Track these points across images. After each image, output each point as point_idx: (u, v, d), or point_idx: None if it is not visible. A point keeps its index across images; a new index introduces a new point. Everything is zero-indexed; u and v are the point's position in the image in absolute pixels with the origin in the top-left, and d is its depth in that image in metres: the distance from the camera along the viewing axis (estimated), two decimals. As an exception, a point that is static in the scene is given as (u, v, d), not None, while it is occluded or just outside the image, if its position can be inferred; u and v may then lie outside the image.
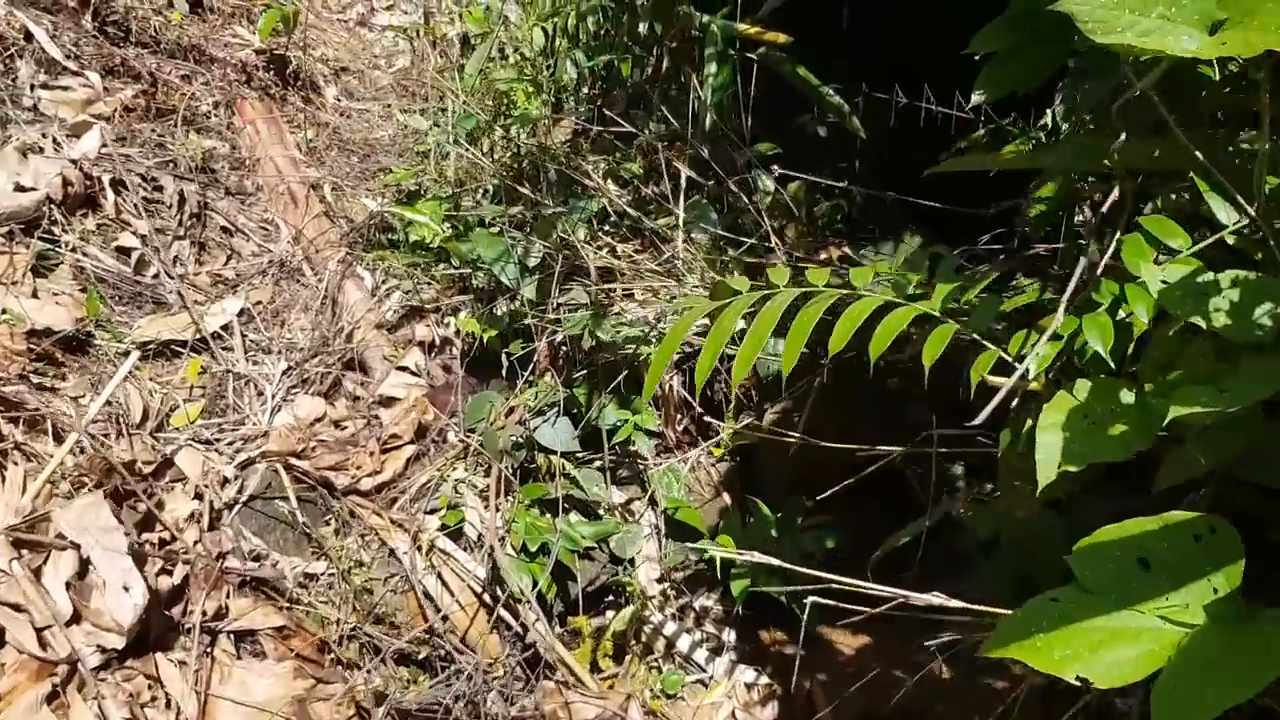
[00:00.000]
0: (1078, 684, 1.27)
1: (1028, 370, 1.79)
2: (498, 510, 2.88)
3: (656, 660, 3.11)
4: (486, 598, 2.87)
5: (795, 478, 3.51)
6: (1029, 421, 1.77)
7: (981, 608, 1.69)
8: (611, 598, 3.18)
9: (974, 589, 1.85)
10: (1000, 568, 2.09)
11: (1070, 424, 1.62)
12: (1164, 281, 1.60)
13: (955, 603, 1.77)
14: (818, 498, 2.94)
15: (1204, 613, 1.30)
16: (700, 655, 3.14)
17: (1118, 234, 1.84)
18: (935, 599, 1.75)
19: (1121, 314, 1.74)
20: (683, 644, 3.13)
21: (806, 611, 1.98)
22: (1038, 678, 2.01)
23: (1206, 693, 1.16)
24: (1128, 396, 1.63)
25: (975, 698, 3.24)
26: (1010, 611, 1.41)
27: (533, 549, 2.83)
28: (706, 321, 2.20)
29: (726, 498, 3.50)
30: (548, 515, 3.01)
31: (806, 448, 2.66)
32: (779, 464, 3.37)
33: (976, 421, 1.72)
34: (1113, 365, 1.68)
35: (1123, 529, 1.40)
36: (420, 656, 2.89)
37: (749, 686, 3.11)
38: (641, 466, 3.24)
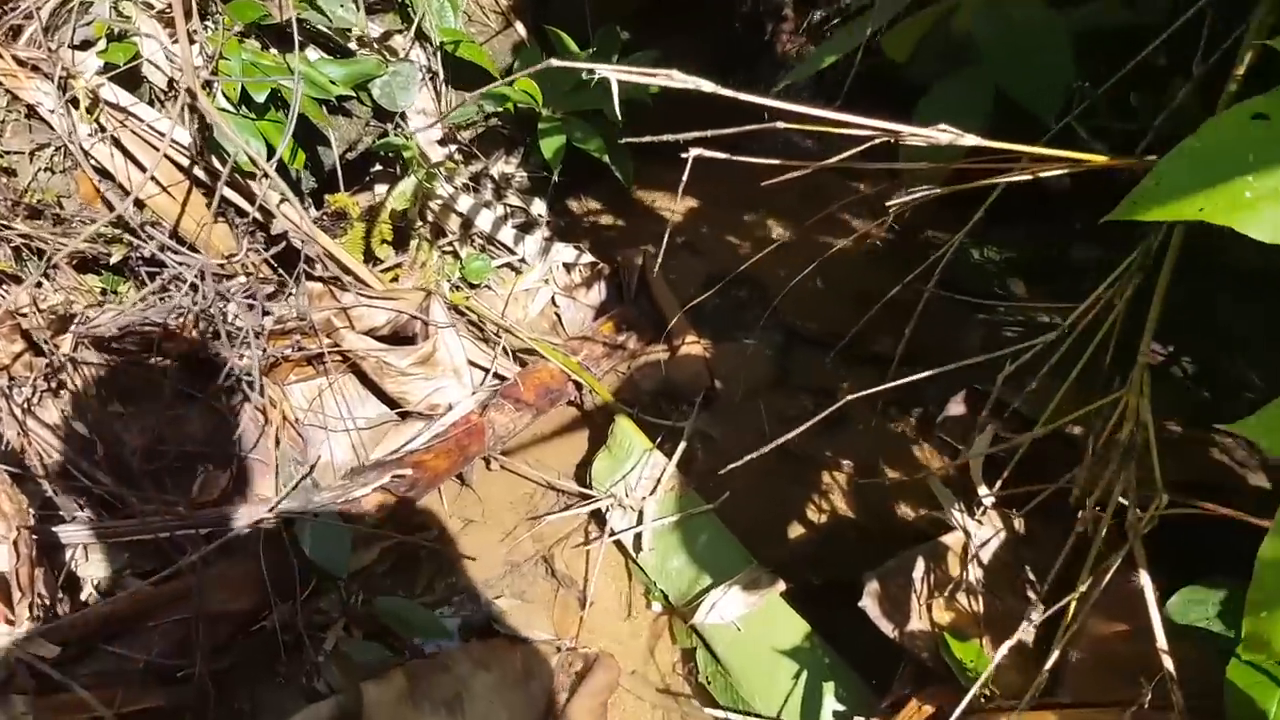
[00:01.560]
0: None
1: None
2: (192, 41, 1.90)
3: (451, 244, 2.44)
4: (200, 172, 2.00)
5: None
6: None
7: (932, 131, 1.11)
8: (381, 168, 2.39)
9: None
10: (975, 83, 1.50)
11: None
12: None
13: (918, 130, 1.17)
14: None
15: None
16: (506, 234, 2.49)
17: None
18: (886, 125, 1.14)
19: None
20: (483, 221, 2.46)
21: (688, 166, 1.33)
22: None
23: None
24: None
25: (812, 254, 2.90)
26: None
27: (259, 99, 1.93)
28: None
29: (519, 29, 2.65)
30: (274, 51, 2.07)
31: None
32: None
33: None
34: None
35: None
36: (112, 260, 2.04)
37: (568, 267, 2.54)
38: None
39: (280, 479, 1.84)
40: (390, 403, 2.06)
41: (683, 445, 2.03)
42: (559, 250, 2.53)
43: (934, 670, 1.54)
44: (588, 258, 2.54)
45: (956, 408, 2.29)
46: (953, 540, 1.66)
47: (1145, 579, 1.19)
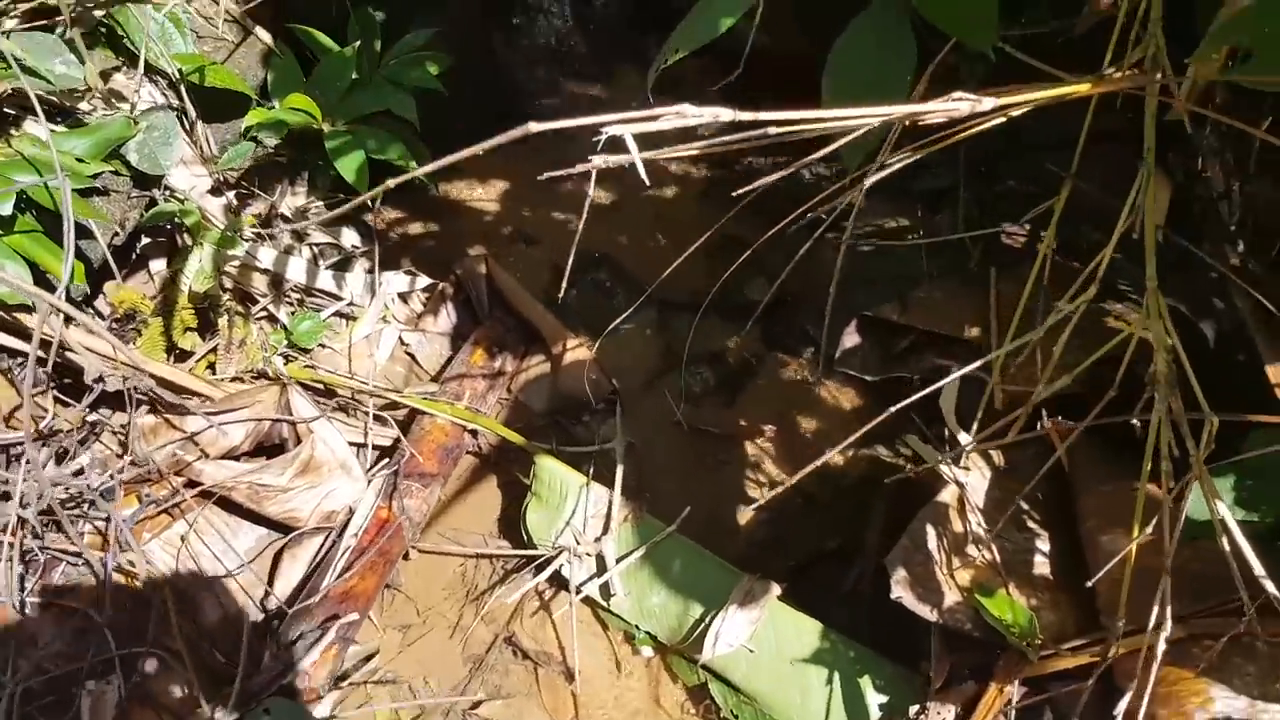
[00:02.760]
0: None
1: None
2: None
3: (266, 309, 2.07)
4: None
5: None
6: None
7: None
8: (149, 239, 1.97)
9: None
10: (887, 28, 1.36)
11: None
12: None
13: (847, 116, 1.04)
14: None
15: None
16: (324, 279, 2.15)
17: None
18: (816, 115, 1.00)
19: None
20: (294, 272, 2.10)
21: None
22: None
23: None
24: None
25: (646, 211, 2.75)
26: None
27: (3, 211, 1.49)
28: None
29: (262, 36, 2.24)
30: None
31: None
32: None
33: None
34: None
35: None
36: None
37: (404, 297, 2.24)
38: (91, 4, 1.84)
39: (189, 666, 1.49)
40: (273, 525, 1.73)
41: (620, 468, 1.85)
42: (388, 281, 2.22)
43: (975, 636, 1.50)
44: (423, 280, 2.25)
45: (851, 339, 2.25)
46: (948, 496, 1.61)
47: (1224, 510, 1.17)
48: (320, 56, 2.27)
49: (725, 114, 0.96)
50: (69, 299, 1.70)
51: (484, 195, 2.63)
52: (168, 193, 1.90)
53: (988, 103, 1.05)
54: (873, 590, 1.87)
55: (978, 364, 1.46)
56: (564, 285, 2.34)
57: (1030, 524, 1.64)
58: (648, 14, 3.09)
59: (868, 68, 1.37)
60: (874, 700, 1.58)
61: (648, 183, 0.90)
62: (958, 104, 1.04)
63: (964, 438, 1.64)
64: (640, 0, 3.13)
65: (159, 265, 2.01)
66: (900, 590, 1.49)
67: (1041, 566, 1.58)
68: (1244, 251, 2.05)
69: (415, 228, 2.48)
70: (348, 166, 2.10)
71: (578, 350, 2.14)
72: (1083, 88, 1.18)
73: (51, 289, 1.65)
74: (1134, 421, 1.41)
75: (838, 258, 2.54)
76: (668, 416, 2.18)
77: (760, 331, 2.41)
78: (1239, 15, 1.26)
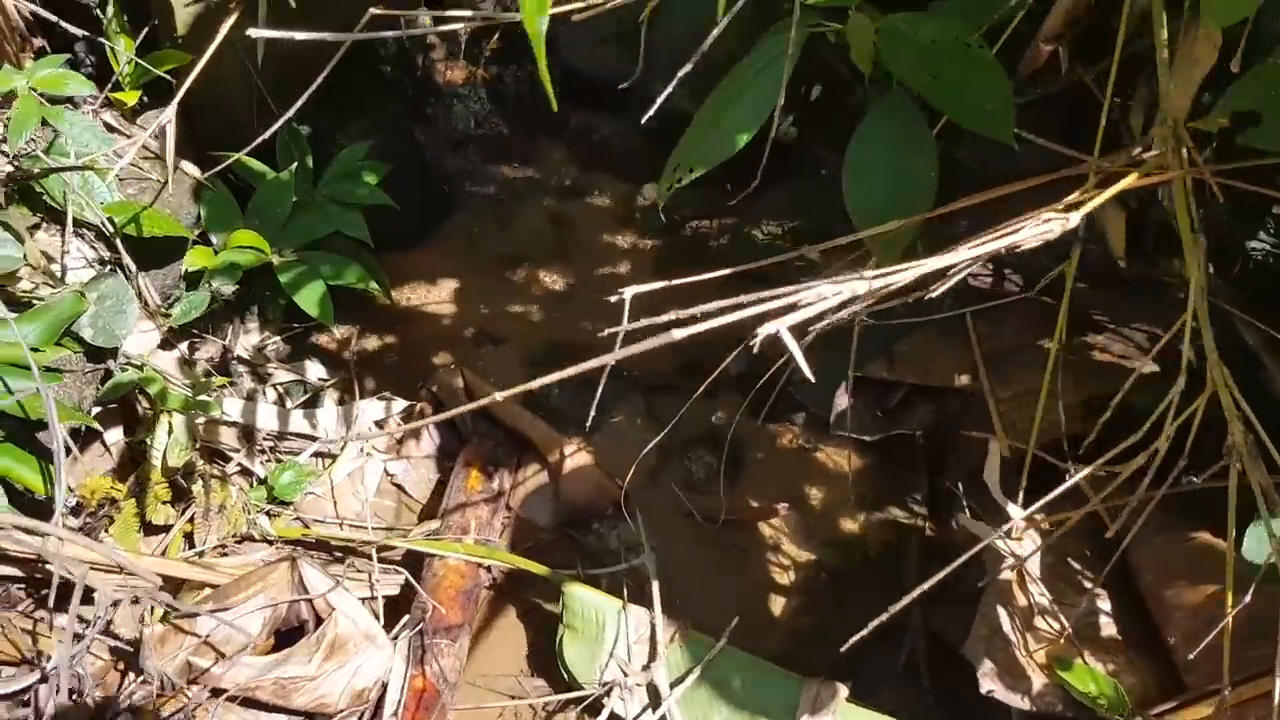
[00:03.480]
0: None
1: None
2: None
3: (239, 464, 1.92)
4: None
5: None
6: None
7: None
8: (99, 408, 1.81)
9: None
10: (902, 124, 1.34)
11: None
12: None
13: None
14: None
15: None
16: (297, 422, 2.02)
17: None
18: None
19: None
20: (265, 419, 1.97)
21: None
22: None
23: None
24: None
25: (600, 288, 2.67)
26: None
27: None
28: None
29: (189, 170, 2.09)
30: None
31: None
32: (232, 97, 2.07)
33: None
34: None
35: None
36: None
37: (380, 424, 2.12)
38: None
39: None
40: (302, 715, 1.59)
41: (655, 584, 1.77)
42: (363, 410, 2.09)
43: (1068, 717, 1.48)
44: (399, 403, 2.13)
45: (843, 400, 2.23)
46: (1007, 571, 1.60)
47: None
48: (253, 183, 2.14)
49: (861, 286, 0.92)
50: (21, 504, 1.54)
51: (437, 297, 2.53)
52: (123, 360, 1.74)
53: (1075, 218, 1.04)
54: (928, 663, 1.84)
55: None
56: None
57: (1086, 584, 1.64)
58: (562, 89, 3.04)
59: (888, 168, 1.34)
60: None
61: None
62: (1049, 225, 1.02)
63: (1014, 510, 1.62)
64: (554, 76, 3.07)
65: (115, 436, 1.84)
66: (990, 683, 1.47)
67: (1108, 628, 1.58)
68: (1210, 272, 2.12)
69: (376, 344, 2.36)
70: (308, 299, 1.98)
71: (576, 456, 2.06)
72: (1130, 179, 1.18)
73: (21, 498, 1.49)
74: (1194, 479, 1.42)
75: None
76: (676, 509, 2.12)
77: (745, 405, 2.37)
78: (1249, 79, 1.29)
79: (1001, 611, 1.54)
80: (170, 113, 1.69)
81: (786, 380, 2.34)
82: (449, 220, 2.75)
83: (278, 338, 2.13)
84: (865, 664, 1.92)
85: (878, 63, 1.31)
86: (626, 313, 1.23)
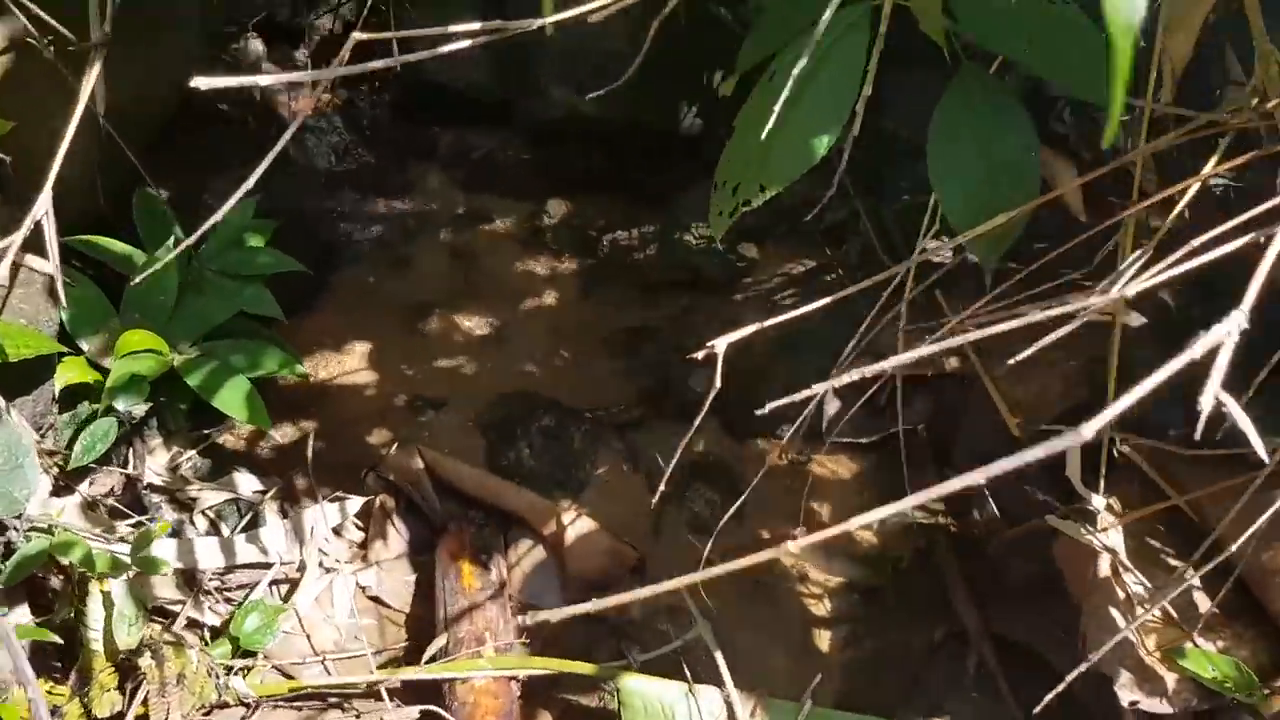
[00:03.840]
0: None
1: None
2: None
3: (186, 618, 1.57)
4: None
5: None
6: None
7: None
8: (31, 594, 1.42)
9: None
10: (987, 95, 1.18)
11: None
12: None
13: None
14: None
15: None
16: (244, 550, 1.68)
17: None
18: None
19: None
20: (207, 557, 1.62)
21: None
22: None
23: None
24: None
25: (526, 329, 2.39)
26: None
27: None
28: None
29: (37, 265, 1.68)
30: None
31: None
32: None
33: None
34: None
35: None
36: None
37: (339, 531, 1.80)
38: None
39: None
40: None
41: (719, 654, 1.57)
42: (314, 518, 1.77)
43: (1202, 710, 1.40)
44: (354, 502, 1.82)
45: (834, 405, 2.10)
46: (1104, 569, 1.50)
47: None
48: (119, 269, 1.76)
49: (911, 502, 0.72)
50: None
51: (350, 365, 2.20)
52: (26, 526, 1.36)
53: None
54: (1001, 667, 1.73)
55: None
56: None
57: (1170, 560, 1.57)
58: (423, 104, 2.74)
59: (979, 154, 1.19)
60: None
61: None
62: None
63: (1098, 501, 1.53)
64: (409, 90, 2.77)
65: (21, 614, 1.45)
66: (1130, 694, 1.36)
67: (1204, 603, 1.51)
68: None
69: (295, 434, 2.02)
70: (231, 401, 1.64)
71: (577, 523, 1.82)
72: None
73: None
74: None
75: (752, 313, 2.39)
76: (690, 556, 1.92)
77: (720, 426, 2.20)
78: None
79: (1115, 614, 1.44)
80: (45, 200, 1.31)
81: (755, 394, 2.19)
82: (336, 274, 2.41)
83: (191, 452, 1.76)
84: (931, 683, 1.80)
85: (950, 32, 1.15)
86: (719, 369, 1.04)
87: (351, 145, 2.69)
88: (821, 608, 1.88)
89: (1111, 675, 1.38)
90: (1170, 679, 1.39)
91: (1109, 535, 1.52)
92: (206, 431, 1.82)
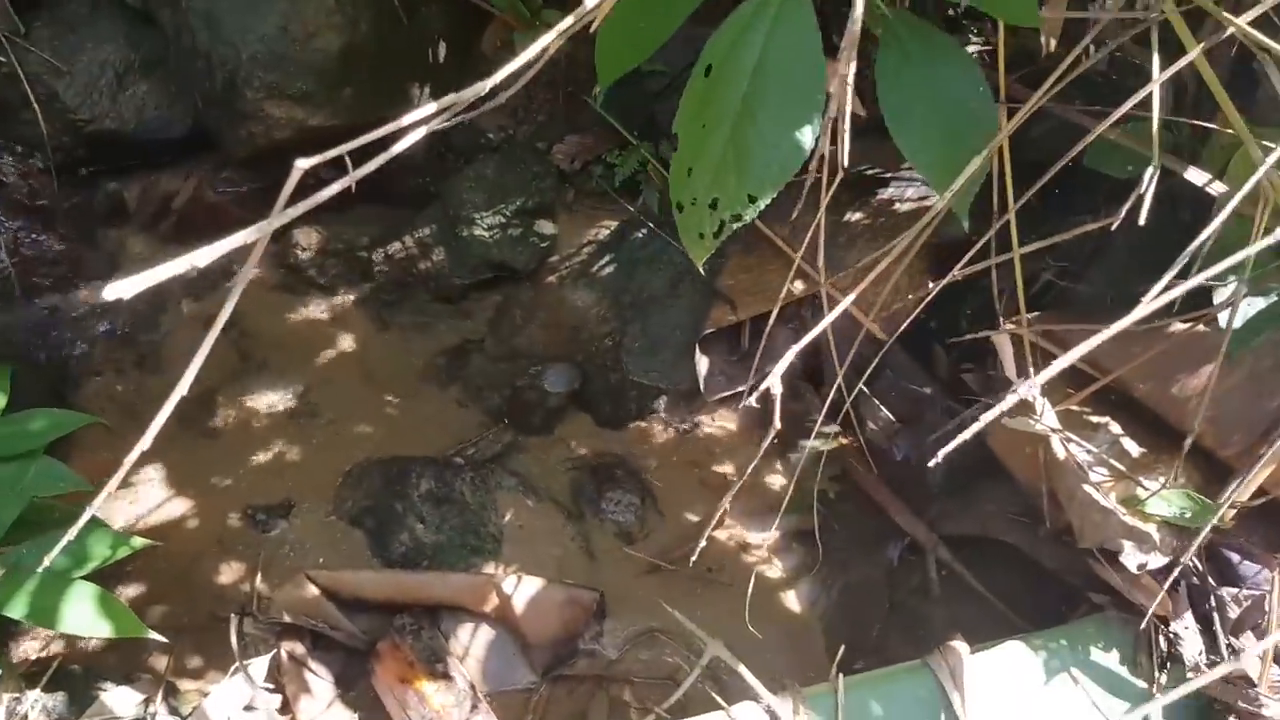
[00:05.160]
0: None
1: None
2: None
3: None
4: None
5: None
6: None
7: None
8: None
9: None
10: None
11: None
12: None
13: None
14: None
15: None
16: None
17: None
18: None
19: None
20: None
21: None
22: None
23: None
24: None
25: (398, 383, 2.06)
26: None
27: None
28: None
29: None
30: None
31: None
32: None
33: None
34: None
35: None
36: None
37: (250, 707, 1.49)
38: None
39: None
40: None
41: (742, 667, 1.49)
42: (219, 705, 1.45)
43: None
44: (260, 663, 1.51)
45: (703, 364, 2.04)
46: (1059, 450, 1.57)
47: None
48: None
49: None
50: None
51: (150, 497, 1.85)
52: None
53: None
54: (964, 565, 1.79)
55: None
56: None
57: (1090, 417, 1.68)
58: (93, 158, 2.25)
59: (928, 98, 1.12)
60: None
61: None
62: None
63: (1025, 388, 1.58)
64: (66, 147, 2.24)
65: None
66: (1136, 558, 1.45)
67: (1133, 448, 1.64)
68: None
69: (138, 598, 1.63)
70: (85, 621, 1.28)
71: (521, 588, 1.64)
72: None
73: None
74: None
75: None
76: (630, 569, 1.81)
77: (595, 422, 2.06)
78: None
79: (1089, 490, 1.52)
80: None
81: (624, 371, 2.07)
82: (78, 394, 1.97)
83: (33, 693, 1.36)
84: (906, 603, 1.83)
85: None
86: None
87: (21, 233, 2.16)
88: (779, 572, 1.85)
89: (1115, 549, 1.46)
90: (1156, 534, 1.49)
91: (1045, 416, 1.60)
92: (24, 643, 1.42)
